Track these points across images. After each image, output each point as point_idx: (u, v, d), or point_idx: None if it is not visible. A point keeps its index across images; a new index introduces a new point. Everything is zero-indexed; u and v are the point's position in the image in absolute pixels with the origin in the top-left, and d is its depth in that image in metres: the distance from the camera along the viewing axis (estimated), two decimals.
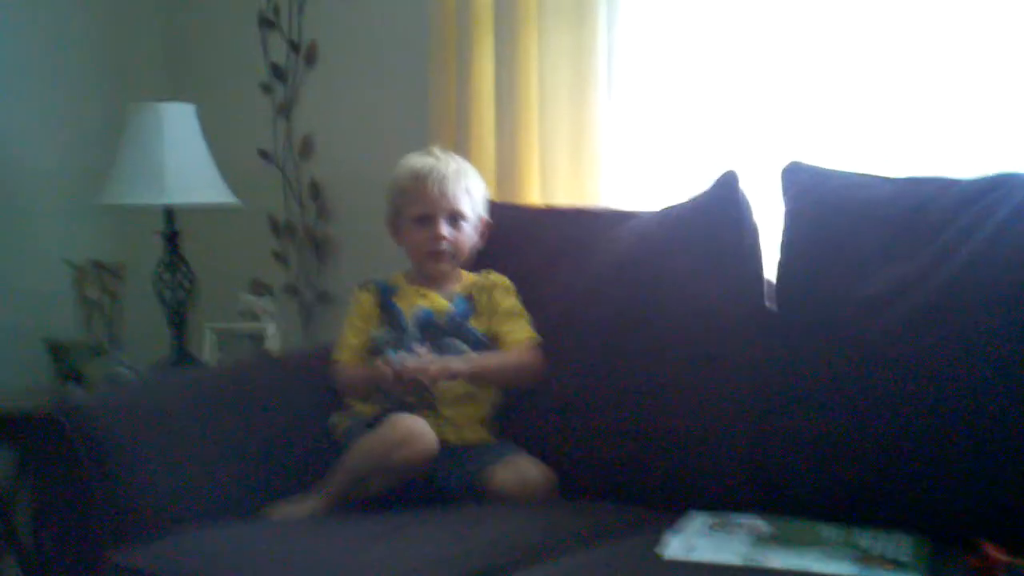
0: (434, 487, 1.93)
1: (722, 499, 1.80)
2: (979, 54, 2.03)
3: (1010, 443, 1.61)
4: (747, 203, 2.00)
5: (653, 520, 1.77)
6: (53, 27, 2.94)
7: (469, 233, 2.16)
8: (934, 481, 1.67)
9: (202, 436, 1.95)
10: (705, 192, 2.03)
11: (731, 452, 1.87)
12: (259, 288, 2.85)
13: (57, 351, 2.59)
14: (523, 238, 2.24)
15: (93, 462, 1.81)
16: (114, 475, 1.82)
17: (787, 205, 1.97)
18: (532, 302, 2.14)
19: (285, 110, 2.99)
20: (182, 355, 2.72)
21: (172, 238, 2.73)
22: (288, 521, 1.86)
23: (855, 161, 2.07)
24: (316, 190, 2.96)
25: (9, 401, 2.49)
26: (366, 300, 2.16)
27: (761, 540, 1.57)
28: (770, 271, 1.97)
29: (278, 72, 2.99)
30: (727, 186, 2.00)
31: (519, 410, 2.09)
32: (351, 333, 2.15)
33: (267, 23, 3.00)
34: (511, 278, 2.15)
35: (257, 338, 2.69)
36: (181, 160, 2.65)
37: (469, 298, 2.12)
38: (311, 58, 2.95)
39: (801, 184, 1.96)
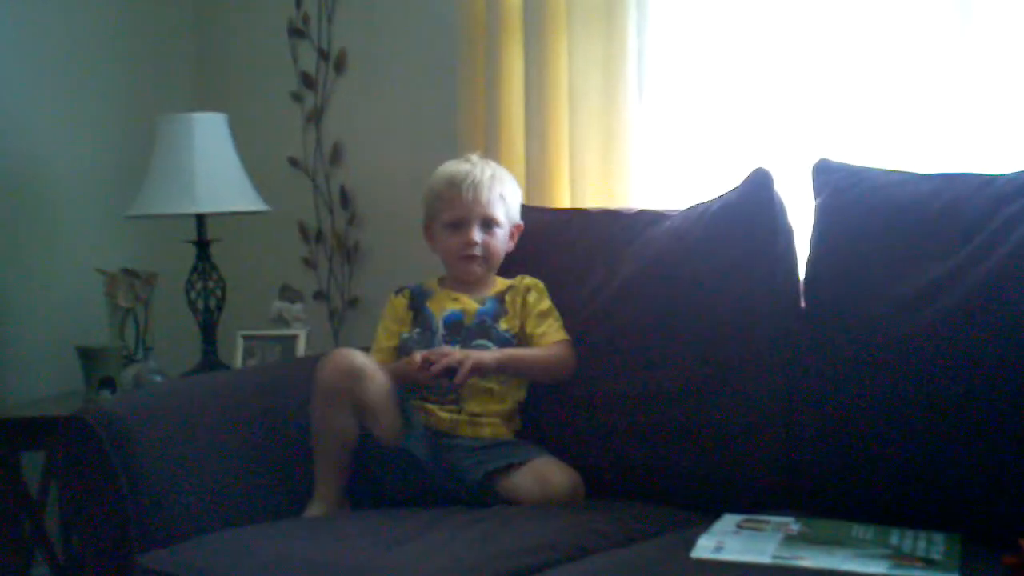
0: (447, 481, 1.94)
1: (754, 500, 1.78)
2: (1013, 47, 2.00)
3: None
4: (781, 203, 1.98)
5: (685, 521, 1.77)
6: (84, 39, 2.97)
7: (502, 239, 2.17)
8: (969, 480, 1.64)
9: (230, 439, 1.95)
10: (736, 190, 2.01)
11: (763, 452, 1.86)
12: (290, 295, 2.86)
13: (89, 358, 2.61)
14: (554, 241, 2.23)
15: (122, 465, 1.81)
16: (143, 478, 1.82)
17: (817, 203, 1.95)
18: (564, 304, 2.13)
19: (315, 118, 3.01)
20: (213, 362, 2.73)
21: (203, 246, 2.75)
22: (315, 524, 1.86)
23: (886, 158, 2.04)
24: (346, 197, 2.97)
25: (42, 407, 2.51)
26: (399, 304, 2.17)
27: (791, 539, 1.54)
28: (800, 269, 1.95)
29: (308, 80, 3.01)
30: (759, 184, 1.98)
31: (545, 408, 2.08)
32: (384, 336, 2.17)
33: (297, 32, 3.02)
34: (544, 280, 2.16)
35: (288, 344, 2.69)
36: (212, 169, 2.67)
37: (501, 301, 2.13)
38: (341, 66, 2.97)
39: (832, 182, 1.94)
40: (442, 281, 2.20)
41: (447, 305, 2.13)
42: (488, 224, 2.14)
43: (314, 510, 1.93)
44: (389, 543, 1.68)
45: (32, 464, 2.66)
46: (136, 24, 3.09)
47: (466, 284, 2.16)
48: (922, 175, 1.89)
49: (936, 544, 1.52)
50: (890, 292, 1.78)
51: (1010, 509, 1.59)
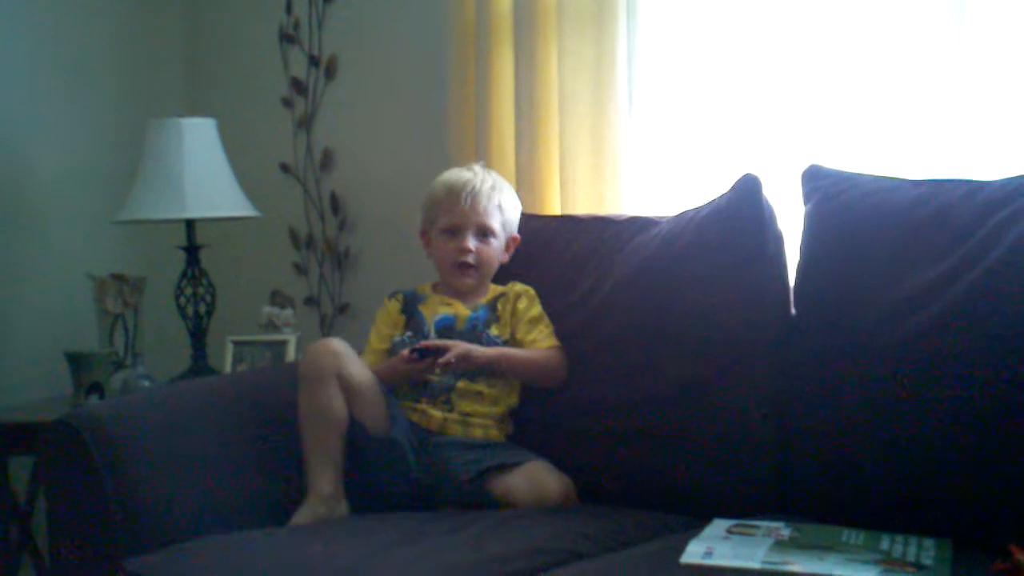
0: (438, 478, 1.94)
1: (745, 505, 1.78)
2: (1005, 54, 2.00)
3: None
4: (770, 208, 1.98)
5: (675, 526, 1.77)
6: (74, 44, 2.96)
7: (497, 249, 2.17)
8: (960, 486, 1.64)
9: (217, 444, 1.95)
10: (725, 196, 2.02)
11: (754, 458, 1.86)
12: (280, 300, 2.85)
13: (78, 364, 2.60)
14: (544, 247, 2.23)
15: (108, 470, 1.81)
16: (129, 483, 1.82)
17: (807, 208, 1.95)
18: (554, 310, 2.14)
19: (305, 123, 3.00)
20: (203, 368, 2.72)
21: (193, 251, 2.74)
22: (305, 529, 1.85)
23: (876, 164, 2.05)
24: (336, 202, 2.96)
25: (29, 412, 2.50)
26: (393, 308, 2.18)
27: (781, 544, 1.54)
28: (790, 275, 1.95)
29: (298, 86, 3.01)
30: (748, 190, 1.98)
31: (537, 413, 2.08)
32: (376, 339, 2.17)
33: (287, 38, 3.01)
34: (535, 287, 2.16)
35: (278, 350, 2.68)
36: (202, 174, 2.66)
37: (492, 308, 2.13)
38: (331, 72, 2.97)
39: (821, 188, 1.94)
40: (436, 287, 2.20)
41: (440, 309, 2.13)
42: (483, 233, 2.14)
43: (307, 510, 1.89)
44: (380, 548, 1.68)
45: (20, 469, 2.65)
46: (126, 29, 3.08)
47: (458, 291, 2.16)
48: (912, 181, 1.89)
49: (927, 549, 1.51)
50: (880, 298, 1.78)
51: (1000, 514, 1.59)
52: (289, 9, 3.00)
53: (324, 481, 1.91)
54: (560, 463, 1.98)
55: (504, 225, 2.17)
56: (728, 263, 1.95)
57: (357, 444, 1.95)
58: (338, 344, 1.99)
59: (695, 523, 1.69)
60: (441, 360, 1.98)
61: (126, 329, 2.78)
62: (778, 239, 1.97)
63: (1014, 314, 1.64)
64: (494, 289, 2.17)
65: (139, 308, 2.79)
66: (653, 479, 1.93)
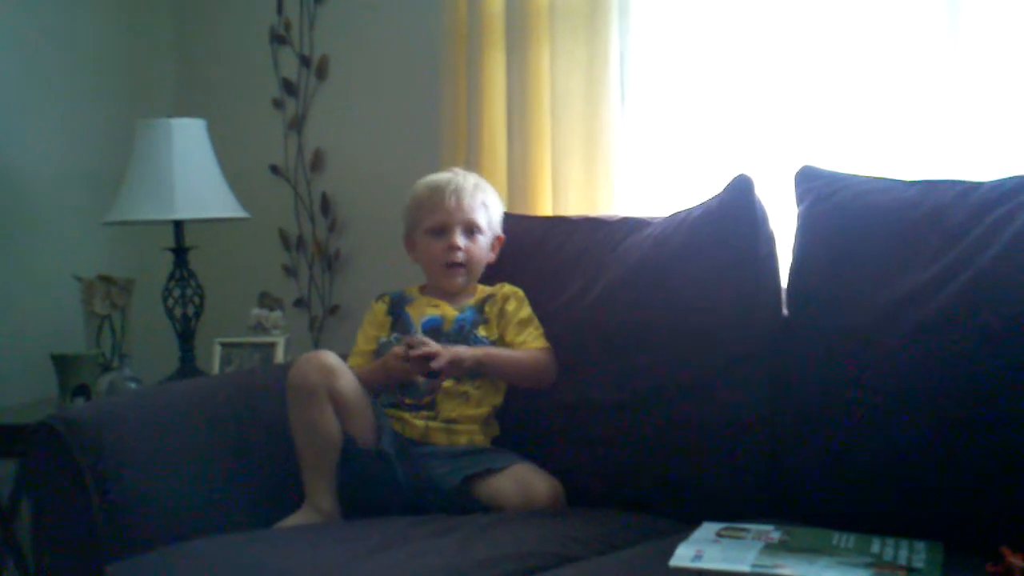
0: (425, 487, 1.92)
1: (734, 508, 1.76)
2: (999, 55, 1.99)
3: None
4: (763, 209, 1.96)
5: (664, 529, 1.75)
6: (64, 43, 2.95)
7: (484, 247, 2.16)
8: (951, 488, 1.62)
9: (204, 446, 1.93)
10: (718, 197, 2.00)
11: (744, 460, 1.84)
12: (269, 302, 2.84)
13: (64, 366, 2.58)
14: (536, 248, 2.22)
15: (91, 473, 1.79)
16: (113, 486, 1.80)
17: (800, 209, 1.94)
18: (545, 311, 2.12)
19: (296, 125, 2.98)
20: (191, 370, 2.71)
21: (181, 253, 2.72)
22: (290, 533, 1.83)
23: (869, 165, 2.03)
24: (327, 204, 2.95)
25: (14, 415, 2.48)
26: (379, 310, 2.17)
27: (771, 547, 1.52)
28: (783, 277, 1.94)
29: (289, 87, 2.99)
30: (741, 191, 1.96)
31: (525, 415, 2.06)
32: (363, 340, 2.16)
33: (278, 38, 3.00)
34: (525, 288, 2.14)
35: (266, 352, 2.67)
36: (191, 175, 2.65)
37: (480, 310, 2.11)
38: (322, 73, 2.95)
39: (814, 188, 1.93)
40: (423, 289, 2.19)
41: (427, 311, 2.11)
42: (471, 230, 2.13)
43: (300, 517, 1.89)
44: (366, 552, 1.65)
45: (3, 473, 2.62)
46: (116, 29, 3.07)
47: (447, 292, 2.14)
48: (905, 182, 1.88)
49: (918, 552, 1.50)
50: (873, 299, 1.76)
51: (992, 517, 1.57)
52: (280, 9, 2.99)
53: (321, 497, 1.91)
54: (548, 465, 1.96)
55: (489, 223, 2.16)
56: (720, 264, 1.93)
57: (346, 456, 1.94)
58: (328, 358, 1.97)
59: (684, 526, 1.67)
60: (434, 365, 1.95)
61: (113, 331, 2.77)
62: (770, 240, 1.96)
63: (1008, 315, 1.62)
64: (482, 290, 2.15)
65: (127, 310, 2.78)
66: (643, 482, 1.91)
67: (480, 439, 2.03)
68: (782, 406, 1.84)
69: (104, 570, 1.74)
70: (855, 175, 1.93)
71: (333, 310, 2.94)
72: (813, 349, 1.81)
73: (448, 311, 2.10)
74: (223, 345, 2.69)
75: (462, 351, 2.01)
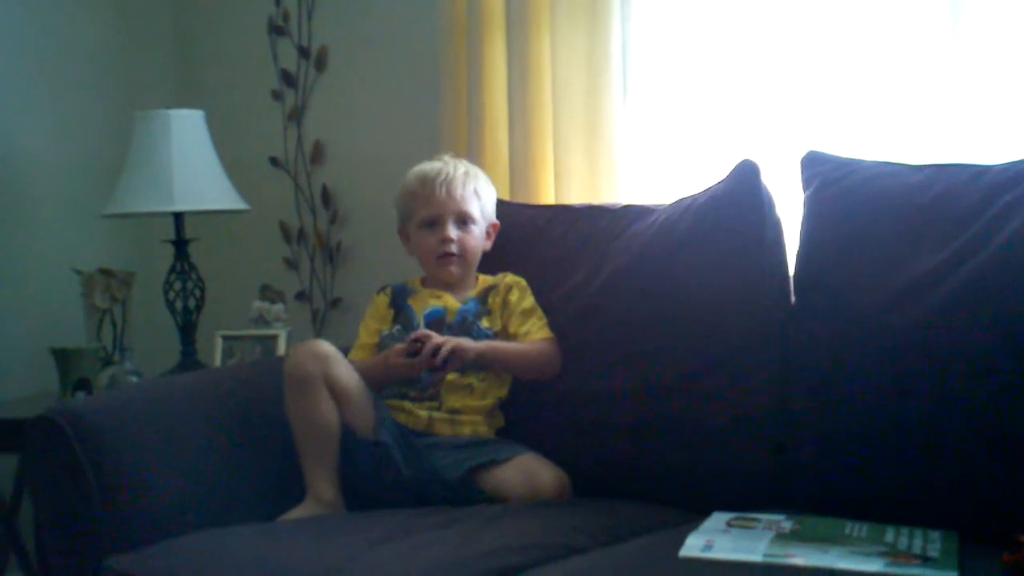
0: (428, 479, 1.90)
1: (743, 498, 1.74)
2: (1006, 36, 1.96)
3: None
4: (769, 195, 1.94)
5: (673, 519, 1.73)
6: (61, 34, 2.92)
7: (478, 236, 2.13)
8: (966, 476, 1.60)
9: (205, 439, 1.91)
10: (723, 183, 1.98)
11: (753, 449, 1.82)
12: (270, 295, 2.82)
13: (65, 360, 2.55)
14: (539, 237, 2.20)
15: (91, 466, 1.77)
16: (113, 479, 1.78)
17: (806, 195, 1.91)
18: (549, 301, 2.10)
19: (296, 116, 2.96)
20: (192, 363, 2.69)
21: (181, 245, 2.70)
22: (292, 526, 1.81)
23: (876, 149, 2.01)
24: (327, 196, 2.93)
25: (14, 409, 2.46)
26: (381, 302, 2.15)
27: (782, 537, 1.50)
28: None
29: (288, 78, 2.97)
30: (747, 177, 1.94)
31: (530, 406, 2.04)
32: (365, 334, 2.14)
33: (276, 29, 2.98)
34: (528, 278, 2.12)
35: (268, 345, 2.65)
36: (190, 167, 2.62)
37: (483, 301, 2.10)
38: (321, 63, 2.93)
39: (821, 173, 1.91)
40: (425, 280, 2.17)
41: (429, 303, 2.09)
42: (463, 221, 2.10)
43: (304, 510, 1.87)
44: (370, 543, 1.63)
45: (5, 467, 2.61)
46: (114, 19, 3.05)
47: (447, 284, 2.12)
48: (913, 166, 1.86)
49: (933, 541, 1.48)
50: (882, 285, 1.74)
51: (1007, 506, 1.55)
52: (278, 0, 2.96)
53: (324, 487, 1.89)
54: (554, 456, 1.94)
55: (483, 211, 2.14)
56: (726, 251, 1.91)
57: (346, 447, 1.92)
58: (323, 346, 1.95)
59: (693, 516, 1.66)
60: (438, 359, 1.93)
61: (114, 324, 2.74)
62: (777, 226, 1.93)
63: (1017, 300, 1.61)
64: (484, 280, 2.13)
65: (127, 303, 2.75)
66: (650, 472, 1.90)
67: (484, 430, 2.01)
68: (791, 394, 1.81)
69: (105, 563, 1.72)
70: (862, 160, 1.91)
71: (335, 303, 2.92)
72: (822, 336, 1.79)
73: (451, 302, 2.08)
74: (224, 338, 2.67)
75: (464, 343, 1.98)
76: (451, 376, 1.99)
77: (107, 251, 2.88)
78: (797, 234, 1.90)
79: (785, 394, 1.82)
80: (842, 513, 1.62)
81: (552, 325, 2.07)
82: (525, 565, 1.56)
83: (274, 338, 2.64)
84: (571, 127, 2.36)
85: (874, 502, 1.66)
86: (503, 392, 2.05)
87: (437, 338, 1.96)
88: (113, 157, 2.72)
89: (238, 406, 1.98)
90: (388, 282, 2.19)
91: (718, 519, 1.60)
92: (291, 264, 2.99)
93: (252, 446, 1.95)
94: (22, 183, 2.84)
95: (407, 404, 2.00)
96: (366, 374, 2.00)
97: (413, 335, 1.98)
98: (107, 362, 2.67)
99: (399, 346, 1.99)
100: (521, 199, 2.40)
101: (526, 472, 1.88)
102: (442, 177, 2.10)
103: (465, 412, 2.00)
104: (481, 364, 2.01)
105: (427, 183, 2.10)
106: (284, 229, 2.99)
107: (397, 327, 2.08)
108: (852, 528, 1.54)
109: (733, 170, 1.96)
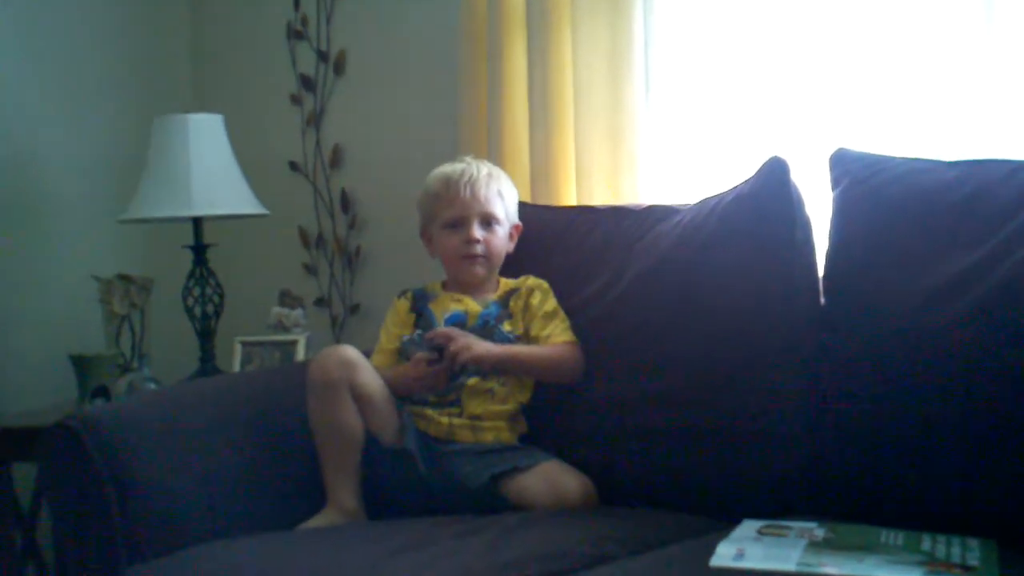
0: (450, 487, 1.87)
1: (773, 506, 1.70)
2: None
3: None
4: (798, 193, 1.90)
5: (702, 528, 1.69)
6: (80, 39, 2.91)
7: (502, 237, 2.11)
8: (1003, 483, 1.56)
9: (224, 446, 1.88)
10: (750, 181, 1.94)
11: (784, 455, 1.78)
12: (289, 300, 2.79)
13: (83, 367, 2.54)
14: (560, 239, 2.17)
15: (109, 474, 1.74)
16: (131, 487, 1.75)
17: (835, 193, 1.88)
18: (571, 304, 2.07)
19: (314, 120, 2.94)
20: (211, 369, 2.67)
21: (200, 250, 2.68)
22: (313, 534, 1.78)
23: (906, 146, 1.97)
24: (347, 201, 2.90)
25: (34, 417, 2.44)
26: (402, 307, 2.12)
27: (815, 546, 1.46)
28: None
29: (307, 82, 2.95)
30: (775, 174, 1.90)
31: (554, 411, 2.01)
32: (386, 339, 2.12)
33: (295, 33, 2.96)
34: (550, 281, 2.09)
35: (287, 350, 2.62)
36: (208, 171, 2.61)
37: (504, 304, 2.07)
38: (340, 67, 2.91)
39: (850, 171, 1.87)
40: (445, 284, 2.14)
41: (450, 306, 2.07)
42: (488, 221, 2.08)
43: (324, 518, 1.84)
44: (391, 552, 1.60)
45: (24, 476, 2.59)
46: (132, 24, 3.03)
47: (469, 286, 2.10)
48: (946, 163, 1.82)
49: (971, 549, 1.43)
50: (915, 285, 1.70)
51: None
52: (297, 4, 2.95)
53: (345, 496, 1.87)
54: (578, 463, 1.90)
55: (506, 212, 2.12)
56: (754, 252, 1.87)
57: (369, 454, 1.90)
58: (349, 351, 1.94)
59: (721, 524, 1.62)
60: (458, 361, 1.91)
61: (132, 331, 2.73)
62: (807, 226, 1.89)
63: None
64: (505, 283, 2.10)
65: (146, 309, 2.73)
66: (677, 478, 1.86)
67: (507, 436, 1.98)
68: (822, 399, 1.77)
69: (124, 573, 1.70)
70: (892, 156, 1.88)
71: (354, 309, 2.90)
72: (853, 339, 1.75)
73: (472, 306, 2.06)
74: (243, 344, 2.65)
75: (481, 346, 1.95)
76: (472, 381, 1.96)
77: (125, 256, 2.86)
78: (825, 234, 1.86)
79: (816, 399, 1.78)
80: (875, 520, 1.57)
81: (574, 329, 2.03)
82: (550, 574, 1.52)
83: (293, 344, 2.62)
84: (593, 125, 2.33)
85: (909, 509, 1.61)
86: (525, 397, 2.02)
87: (458, 338, 1.93)
88: (132, 162, 2.70)
89: (257, 413, 1.95)
90: (408, 287, 2.16)
91: (748, 527, 1.56)
92: (310, 269, 2.97)
93: (272, 453, 1.92)
94: (41, 188, 2.83)
95: (428, 411, 1.96)
96: (390, 384, 1.97)
97: (430, 333, 1.96)
98: (125, 369, 2.65)
99: (421, 354, 1.96)
100: (542, 201, 2.37)
101: (550, 479, 1.85)
102: (466, 178, 2.07)
103: (487, 418, 1.96)
104: (500, 370, 1.98)
105: (451, 184, 2.08)
106: (303, 234, 2.97)
107: (418, 332, 2.06)
108: (887, 536, 1.49)
109: (761, 168, 1.92)
